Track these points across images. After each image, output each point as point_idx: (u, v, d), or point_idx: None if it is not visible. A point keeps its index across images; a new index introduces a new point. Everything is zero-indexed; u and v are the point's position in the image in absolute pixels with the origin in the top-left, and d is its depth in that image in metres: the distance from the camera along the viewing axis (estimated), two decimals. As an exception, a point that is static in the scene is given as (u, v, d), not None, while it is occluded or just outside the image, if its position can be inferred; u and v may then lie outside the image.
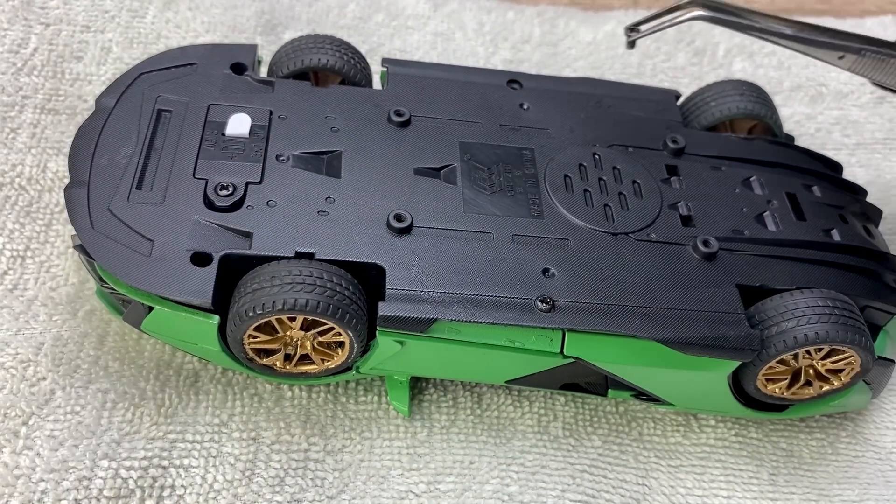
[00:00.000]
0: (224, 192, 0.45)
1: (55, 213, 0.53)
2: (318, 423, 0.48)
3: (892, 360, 0.48)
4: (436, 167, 0.48)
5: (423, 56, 0.69)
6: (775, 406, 0.49)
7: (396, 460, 0.47)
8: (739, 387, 0.47)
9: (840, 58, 0.47)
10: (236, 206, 0.44)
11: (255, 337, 0.43)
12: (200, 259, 0.42)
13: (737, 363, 0.45)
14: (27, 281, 0.50)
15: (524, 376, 0.46)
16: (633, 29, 0.47)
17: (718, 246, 0.47)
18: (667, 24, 0.46)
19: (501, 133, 0.51)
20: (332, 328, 0.43)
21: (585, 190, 0.49)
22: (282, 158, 0.47)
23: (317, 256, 0.43)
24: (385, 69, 0.55)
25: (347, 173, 0.47)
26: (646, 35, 0.47)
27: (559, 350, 0.43)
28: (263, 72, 0.56)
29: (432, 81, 0.54)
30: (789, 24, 0.47)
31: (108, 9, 0.63)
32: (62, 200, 0.52)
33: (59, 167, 0.54)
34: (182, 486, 0.44)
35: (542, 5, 0.76)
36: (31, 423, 0.43)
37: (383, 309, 0.42)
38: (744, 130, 0.56)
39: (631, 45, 0.48)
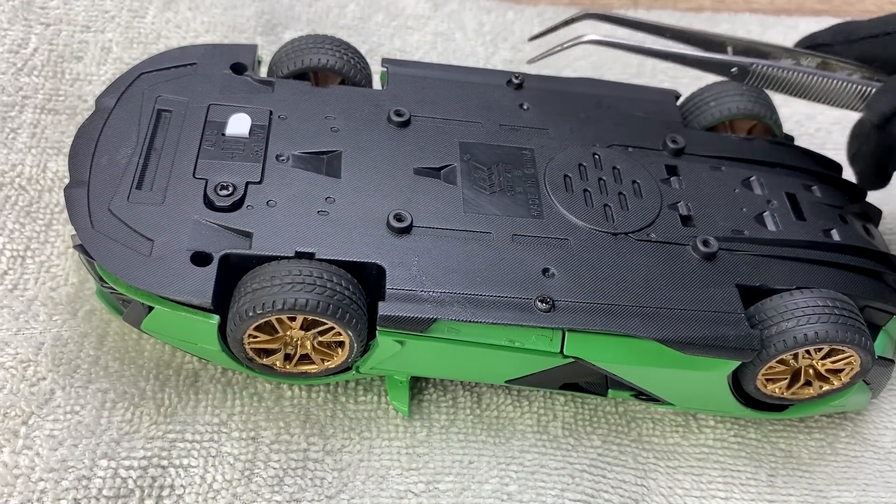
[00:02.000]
0: (224, 192, 0.45)
1: (55, 213, 0.53)
2: (317, 423, 0.48)
3: (891, 360, 0.48)
4: (436, 167, 0.48)
5: (423, 56, 0.69)
6: (775, 406, 0.49)
7: (395, 460, 0.47)
8: (739, 387, 0.47)
9: (733, 73, 0.50)
10: (236, 205, 0.44)
11: (255, 336, 0.43)
12: (200, 259, 0.42)
13: (736, 363, 0.45)
14: (27, 281, 0.50)
15: (524, 376, 0.46)
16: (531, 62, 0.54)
17: (718, 246, 0.47)
18: (558, 49, 0.52)
19: (501, 133, 0.51)
20: (332, 328, 0.43)
21: (585, 190, 0.49)
22: (282, 158, 0.47)
23: (317, 256, 0.43)
24: (385, 69, 0.55)
25: (347, 173, 0.47)
26: (542, 58, 0.53)
27: (559, 350, 0.43)
28: (263, 72, 0.56)
29: (432, 81, 0.54)
30: (682, 38, 0.51)
31: (108, 9, 0.63)
32: (62, 200, 0.52)
33: (59, 167, 0.54)
34: (181, 485, 0.44)
35: (542, 5, 0.76)
36: (30, 422, 0.43)
37: (383, 309, 0.42)
38: (744, 130, 0.56)
39: (530, 61, 0.54)
